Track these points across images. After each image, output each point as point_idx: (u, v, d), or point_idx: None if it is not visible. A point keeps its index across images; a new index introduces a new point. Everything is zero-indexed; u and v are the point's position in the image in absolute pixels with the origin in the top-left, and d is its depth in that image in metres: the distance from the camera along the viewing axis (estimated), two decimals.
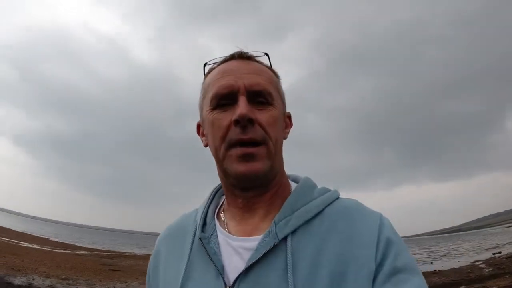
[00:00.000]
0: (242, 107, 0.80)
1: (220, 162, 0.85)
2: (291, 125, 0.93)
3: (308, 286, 0.74)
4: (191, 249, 0.86)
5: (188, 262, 0.84)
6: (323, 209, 0.82)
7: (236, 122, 0.80)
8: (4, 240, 21.84)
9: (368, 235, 0.78)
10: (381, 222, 0.81)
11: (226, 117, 0.82)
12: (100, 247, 34.13)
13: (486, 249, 26.44)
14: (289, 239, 0.78)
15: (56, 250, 22.50)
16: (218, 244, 0.84)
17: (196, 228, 0.89)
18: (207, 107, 0.87)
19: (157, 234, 1.02)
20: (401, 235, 0.81)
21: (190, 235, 0.89)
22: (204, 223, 0.89)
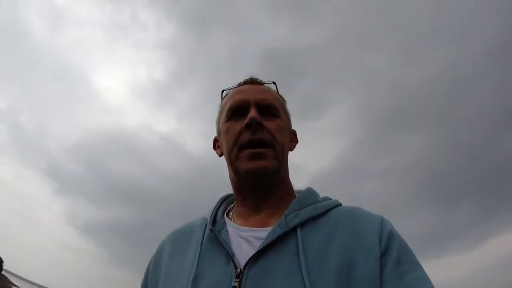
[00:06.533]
0: (252, 113, 0.93)
1: (232, 163, 0.95)
2: (297, 141, 1.06)
3: (319, 268, 0.79)
4: (202, 241, 0.91)
5: (200, 251, 0.89)
6: (328, 211, 0.90)
7: (247, 125, 0.92)
8: None
9: (371, 228, 0.85)
10: (383, 219, 0.89)
11: (238, 125, 0.95)
12: None
13: None
14: (298, 229, 0.85)
15: None
16: (228, 236, 0.89)
17: (206, 223, 0.95)
18: (223, 119, 1.00)
19: None
20: None
21: (199, 231, 0.95)
22: (214, 221, 0.95)
